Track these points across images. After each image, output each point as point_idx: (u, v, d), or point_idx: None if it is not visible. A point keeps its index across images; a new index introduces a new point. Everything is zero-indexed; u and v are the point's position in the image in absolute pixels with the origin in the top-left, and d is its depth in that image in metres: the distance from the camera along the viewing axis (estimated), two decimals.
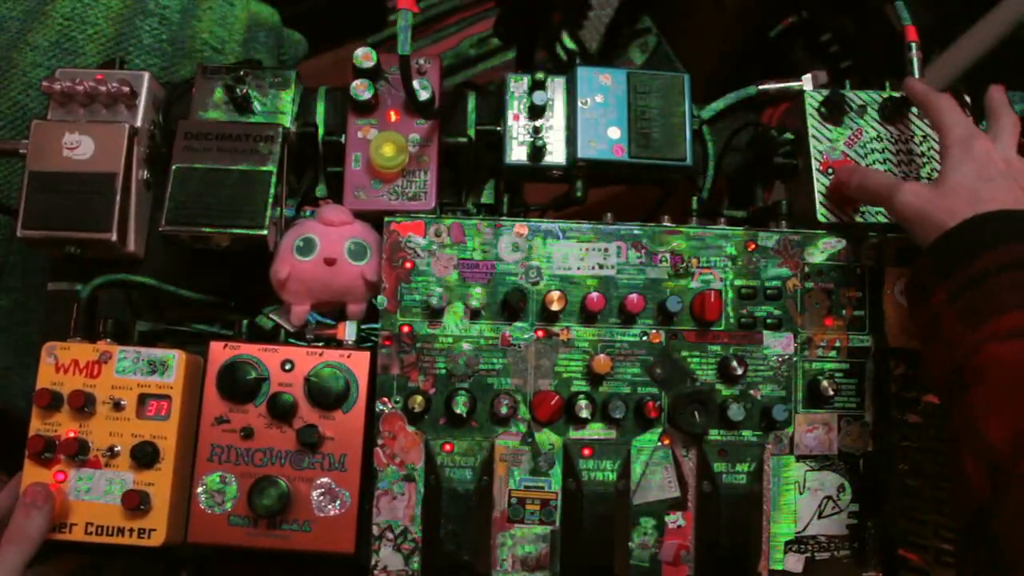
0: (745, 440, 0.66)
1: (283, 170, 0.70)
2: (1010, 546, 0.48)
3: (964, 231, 0.58)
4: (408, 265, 0.66)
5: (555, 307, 0.65)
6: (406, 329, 0.66)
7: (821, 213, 0.71)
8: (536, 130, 0.73)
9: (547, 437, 0.65)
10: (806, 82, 0.79)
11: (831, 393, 0.66)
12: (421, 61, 0.74)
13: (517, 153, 0.73)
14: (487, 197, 0.77)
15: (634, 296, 0.65)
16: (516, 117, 0.73)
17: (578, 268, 0.67)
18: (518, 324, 0.66)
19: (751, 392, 0.67)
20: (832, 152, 0.72)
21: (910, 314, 0.64)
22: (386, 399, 0.65)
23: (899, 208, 0.63)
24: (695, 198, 0.73)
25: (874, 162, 0.73)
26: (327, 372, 0.64)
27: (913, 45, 0.77)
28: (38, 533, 0.59)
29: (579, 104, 0.72)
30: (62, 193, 0.67)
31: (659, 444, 0.66)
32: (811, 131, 0.73)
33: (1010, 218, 0.58)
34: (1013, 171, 0.62)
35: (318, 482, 0.64)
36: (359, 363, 0.65)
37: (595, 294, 0.65)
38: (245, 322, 0.68)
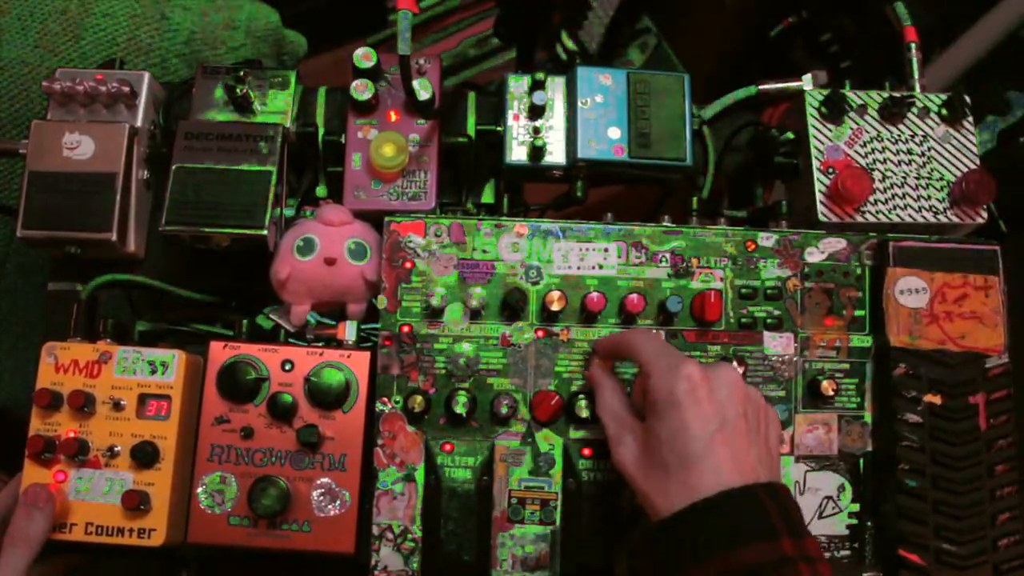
0: None
1: (283, 170, 0.70)
2: None
3: (669, 535, 0.48)
4: (408, 265, 0.66)
5: (555, 307, 0.65)
6: (406, 329, 0.66)
7: (821, 213, 0.71)
8: (536, 130, 0.73)
9: (547, 437, 0.66)
10: (806, 82, 0.79)
11: (831, 393, 0.66)
12: (421, 61, 0.74)
13: (517, 153, 0.73)
14: (487, 197, 0.77)
15: (634, 296, 0.65)
16: (516, 117, 0.73)
17: (578, 268, 0.67)
18: (518, 324, 0.66)
19: None
20: (833, 152, 0.72)
21: None
22: (386, 399, 0.65)
23: (616, 464, 0.55)
24: (695, 198, 0.73)
25: (874, 162, 0.73)
26: (327, 372, 0.64)
27: (913, 45, 0.78)
28: (40, 534, 0.59)
29: (579, 104, 0.72)
30: (62, 193, 0.67)
31: None
32: (811, 131, 0.73)
33: (726, 506, 0.46)
34: (730, 408, 0.50)
35: (318, 482, 0.64)
36: (359, 363, 0.65)
37: (595, 294, 0.65)
38: (245, 322, 0.68)
